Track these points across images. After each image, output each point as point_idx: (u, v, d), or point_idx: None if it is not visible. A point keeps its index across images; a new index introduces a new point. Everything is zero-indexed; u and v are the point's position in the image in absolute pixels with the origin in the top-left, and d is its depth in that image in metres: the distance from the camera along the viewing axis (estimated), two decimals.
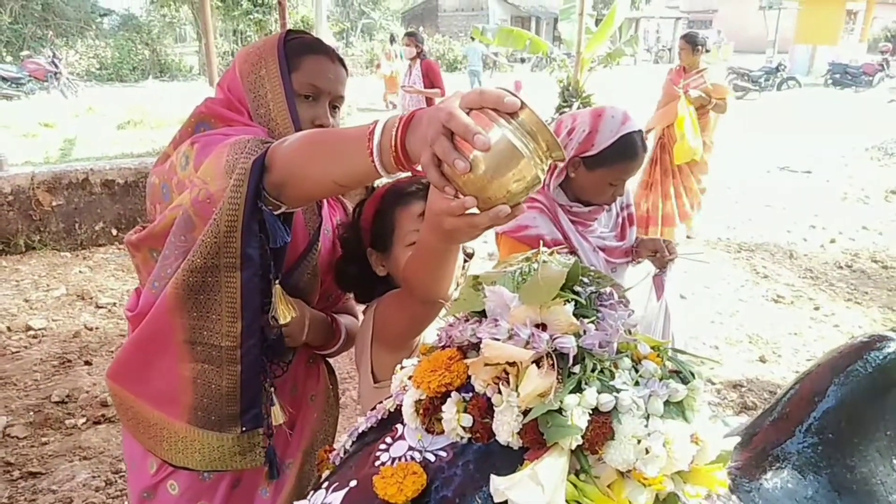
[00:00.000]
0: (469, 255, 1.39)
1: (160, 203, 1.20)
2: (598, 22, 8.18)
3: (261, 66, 1.27)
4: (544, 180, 0.75)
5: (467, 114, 0.70)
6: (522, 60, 25.80)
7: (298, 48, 1.29)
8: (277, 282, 1.16)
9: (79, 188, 5.13)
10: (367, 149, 0.81)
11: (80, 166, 5.24)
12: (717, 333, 3.99)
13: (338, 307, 1.50)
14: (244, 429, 1.15)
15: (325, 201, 1.38)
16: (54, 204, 5.06)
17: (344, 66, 1.34)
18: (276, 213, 1.03)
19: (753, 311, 4.35)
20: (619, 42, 7.82)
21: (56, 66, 13.66)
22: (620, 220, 1.88)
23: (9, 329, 3.86)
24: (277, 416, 1.24)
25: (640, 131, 1.66)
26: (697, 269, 4.97)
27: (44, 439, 2.88)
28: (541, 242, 1.11)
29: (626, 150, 1.64)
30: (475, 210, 0.73)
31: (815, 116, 13.41)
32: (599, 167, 1.66)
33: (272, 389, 1.22)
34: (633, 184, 1.82)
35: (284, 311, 1.17)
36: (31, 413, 3.06)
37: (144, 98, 10.24)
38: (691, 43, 5.08)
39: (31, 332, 3.84)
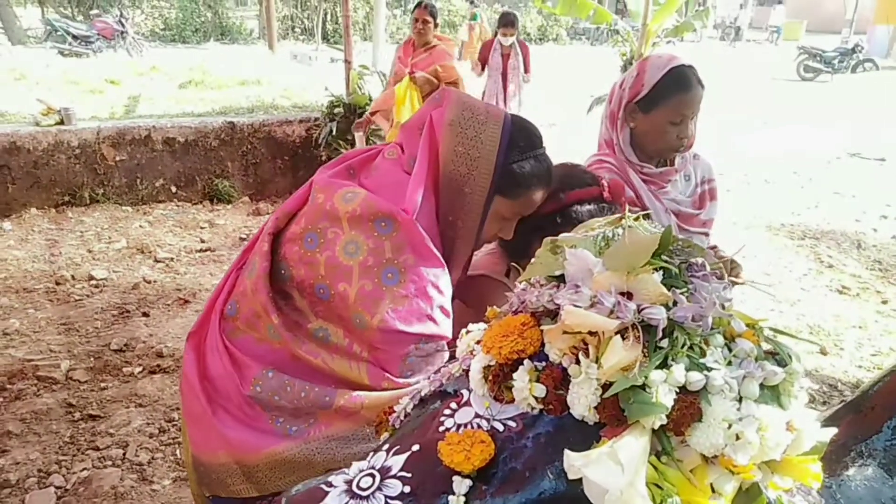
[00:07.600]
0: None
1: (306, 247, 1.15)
2: None
3: (470, 175, 1.12)
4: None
5: None
6: (578, 36, 25.08)
7: (516, 180, 1.16)
8: None
9: (141, 144, 5.25)
10: None
11: (143, 123, 5.36)
12: (776, 323, 3.83)
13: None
14: None
15: None
16: (118, 159, 5.19)
17: None
18: None
19: (815, 301, 4.16)
20: (686, 15, 7.45)
21: (123, 25, 14.01)
22: (700, 191, 1.79)
23: (73, 277, 4.01)
24: None
25: (691, 66, 1.60)
26: (758, 255, 4.78)
27: (103, 384, 2.99)
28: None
29: (678, 81, 1.59)
30: None
31: (892, 101, 12.65)
32: (655, 107, 1.61)
33: None
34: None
35: None
36: (92, 359, 3.17)
37: (205, 59, 10.37)
38: (432, 15, 4.39)
39: (94, 282, 3.98)
